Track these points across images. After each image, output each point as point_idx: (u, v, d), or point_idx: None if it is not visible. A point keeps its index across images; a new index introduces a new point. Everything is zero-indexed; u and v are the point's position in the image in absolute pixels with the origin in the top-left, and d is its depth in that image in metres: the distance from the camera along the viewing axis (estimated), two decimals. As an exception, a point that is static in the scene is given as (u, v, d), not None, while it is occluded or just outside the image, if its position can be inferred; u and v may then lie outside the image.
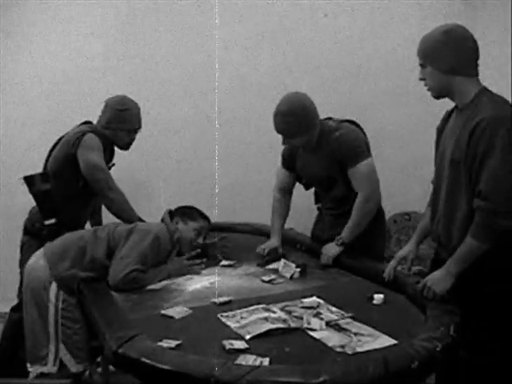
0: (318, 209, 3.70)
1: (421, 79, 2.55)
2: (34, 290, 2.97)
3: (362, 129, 3.42)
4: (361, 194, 3.22)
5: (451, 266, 2.42)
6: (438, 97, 2.57)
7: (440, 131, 2.70)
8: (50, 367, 2.94)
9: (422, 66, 2.52)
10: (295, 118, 3.16)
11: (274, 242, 3.52)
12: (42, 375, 2.96)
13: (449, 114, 2.65)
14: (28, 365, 3.02)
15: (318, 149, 3.32)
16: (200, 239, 3.35)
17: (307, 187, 3.64)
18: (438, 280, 2.43)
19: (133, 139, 3.68)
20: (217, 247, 3.54)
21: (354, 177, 3.23)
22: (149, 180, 4.88)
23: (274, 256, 3.38)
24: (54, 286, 2.94)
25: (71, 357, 2.95)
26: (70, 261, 2.99)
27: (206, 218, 3.44)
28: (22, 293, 3.17)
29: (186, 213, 3.39)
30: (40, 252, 3.09)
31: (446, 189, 2.52)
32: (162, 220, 3.35)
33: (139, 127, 3.68)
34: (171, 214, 3.39)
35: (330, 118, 3.41)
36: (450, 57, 2.43)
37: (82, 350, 2.99)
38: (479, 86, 2.47)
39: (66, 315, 2.95)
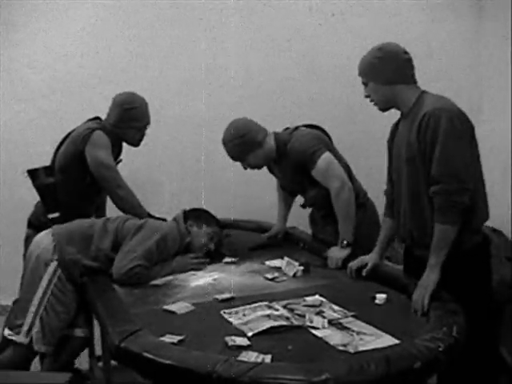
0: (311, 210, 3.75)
1: (366, 96, 2.77)
2: (35, 260, 3.00)
3: (322, 129, 3.55)
4: (330, 189, 3.26)
5: (432, 259, 2.49)
6: (384, 109, 2.78)
7: (390, 144, 2.87)
8: (22, 338, 2.95)
9: (365, 84, 2.75)
10: (234, 143, 3.36)
11: (274, 228, 3.81)
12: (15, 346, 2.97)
13: (395, 126, 2.84)
14: (6, 328, 3.02)
15: (279, 161, 3.46)
16: (212, 245, 3.35)
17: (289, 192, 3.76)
18: (423, 281, 2.46)
19: (143, 135, 3.68)
20: (223, 245, 3.54)
21: (317, 176, 3.30)
22: (153, 176, 4.88)
23: (270, 242, 3.70)
24: (54, 264, 2.97)
25: (41, 336, 2.96)
26: (75, 246, 3.02)
27: (218, 222, 3.45)
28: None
29: (201, 217, 3.39)
30: (48, 231, 3.12)
31: (407, 187, 2.67)
32: (174, 219, 3.35)
33: (148, 123, 3.68)
34: (185, 214, 3.38)
35: (287, 128, 3.54)
36: (387, 69, 2.66)
37: (54, 335, 3.00)
38: (419, 91, 2.69)
39: (56, 294, 2.97)
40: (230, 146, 3.37)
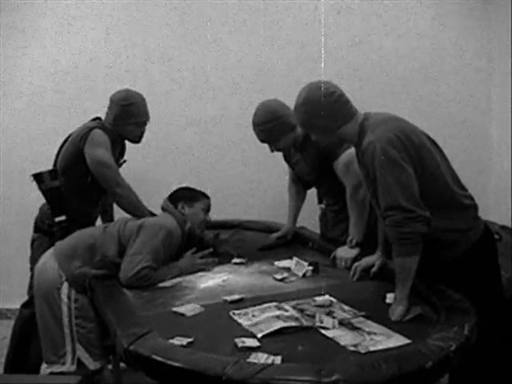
0: (321, 209, 3.74)
1: (316, 140, 2.74)
2: (45, 292, 2.97)
3: None
4: (347, 185, 3.23)
5: (397, 292, 2.40)
6: (337, 146, 2.89)
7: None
8: (69, 366, 2.94)
9: (309, 133, 2.74)
10: (270, 125, 3.27)
11: (283, 228, 3.77)
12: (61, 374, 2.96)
13: (356, 152, 2.73)
14: (44, 365, 3.03)
15: (304, 147, 3.40)
16: (209, 217, 3.37)
17: (304, 183, 3.74)
18: (392, 309, 2.38)
19: (143, 131, 3.67)
20: (229, 243, 3.53)
21: (337, 169, 3.27)
22: (162, 176, 4.88)
23: (279, 242, 3.68)
24: (65, 285, 2.94)
25: (88, 355, 2.95)
26: (80, 260, 2.99)
27: (205, 194, 3.44)
28: (32, 289, 3.17)
29: (187, 196, 3.37)
30: (49, 252, 3.09)
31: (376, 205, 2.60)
32: (163, 208, 3.33)
33: (147, 119, 3.66)
34: (171, 200, 3.36)
35: None
36: (321, 123, 2.59)
37: (98, 348, 2.99)
38: (359, 121, 2.60)
39: (79, 315, 2.95)
40: (265, 128, 3.28)
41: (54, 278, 2.96)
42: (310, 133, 2.71)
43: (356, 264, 2.94)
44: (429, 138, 2.59)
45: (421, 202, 2.37)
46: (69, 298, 2.94)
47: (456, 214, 2.53)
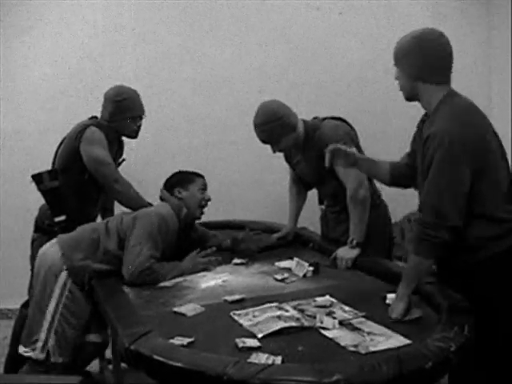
0: (322, 209, 3.75)
1: (396, 78, 2.53)
2: (45, 274, 2.98)
3: (348, 123, 3.47)
4: (348, 186, 3.23)
5: (400, 289, 2.38)
6: (408, 99, 2.55)
7: (415, 138, 2.68)
8: (38, 353, 2.95)
9: (395, 65, 2.51)
10: (271, 126, 3.26)
11: (284, 229, 3.75)
12: (32, 361, 2.97)
13: (422, 124, 2.58)
14: (21, 346, 3.03)
15: (305, 148, 3.41)
16: (208, 195, 3.36)
17: (305, 184, 3.74)
18: (393, 306, 2.37)
19: (139, 126, 3.67)
20: (245, 240, 3.51)
21: (338, 170, 3.26)
22: (162, 176, 4.86)
23: (279, 243, 3.66)
24: (64, 274, 2.95)
25: (57, 347, 2.95)
26: (83, 252, 3.00)
27: (198, 174, 3.43)
28: (32, 289, 3.18)
29: (182, 179, 3.37)
30: (54, 241, 3.10)
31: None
32: (161, 198, 3.33)
33: (143, 113, 3.67)
34: (166, 188, 3.36)
35: (315, 118, 3.51)
36: (414, 63, 2.41)
37: (68, 345, 2.99)
38: (443, 93, 2.42)
39: (68, 306, 2.95)
40: (265, 129, 3.27)
41: (56, 264, 2.97)
42: (397, 66, 2.50)
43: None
44: (498, 139, 2.48)
45: (462, 210, 2.29)
46: (64, 285, 2.95)
47: (488, 223, 2.39)
